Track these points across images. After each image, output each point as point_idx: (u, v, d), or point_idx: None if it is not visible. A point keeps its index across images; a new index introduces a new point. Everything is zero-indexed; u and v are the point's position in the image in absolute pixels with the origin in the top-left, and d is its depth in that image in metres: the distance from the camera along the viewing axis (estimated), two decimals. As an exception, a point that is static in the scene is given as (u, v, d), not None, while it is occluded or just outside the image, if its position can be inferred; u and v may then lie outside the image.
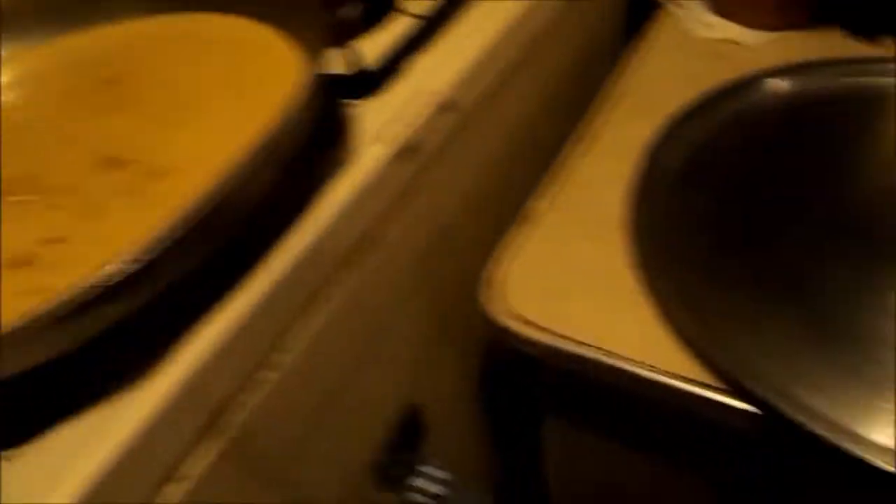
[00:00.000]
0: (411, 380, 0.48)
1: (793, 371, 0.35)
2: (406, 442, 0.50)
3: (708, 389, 0.35)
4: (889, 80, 0.50)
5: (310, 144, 0.36)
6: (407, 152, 0.39)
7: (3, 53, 0.42)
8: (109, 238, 0.30)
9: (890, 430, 0.32)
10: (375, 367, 0.43)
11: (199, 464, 0.30)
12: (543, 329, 0.39)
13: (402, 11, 0.52)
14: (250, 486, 0.34)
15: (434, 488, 0.49)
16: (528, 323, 0.40)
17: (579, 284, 0.41)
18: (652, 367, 0.37)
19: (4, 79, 0.41)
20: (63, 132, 0.37)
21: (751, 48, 0.57)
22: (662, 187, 0.44)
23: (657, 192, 0.44)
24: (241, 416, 0.32)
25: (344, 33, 0.49)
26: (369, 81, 0.42)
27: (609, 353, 0.38)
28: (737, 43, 0.57)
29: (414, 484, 0.49)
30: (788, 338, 0.36)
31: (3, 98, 0.40)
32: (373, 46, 0.46)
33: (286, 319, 0.34)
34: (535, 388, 0.49)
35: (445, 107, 0.41)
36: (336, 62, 0.45)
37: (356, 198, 0.36)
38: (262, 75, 0.38)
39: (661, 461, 0.45)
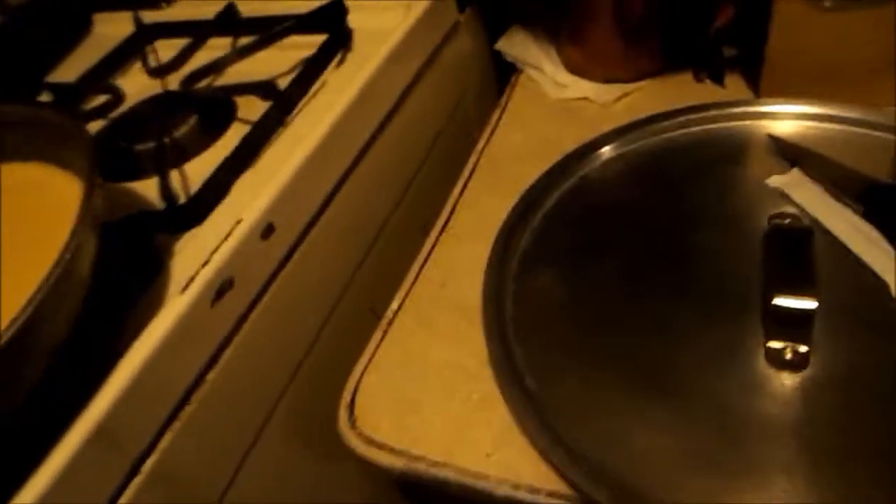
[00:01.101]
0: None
1: (650, 473, 0.33)
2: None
3: (561, 500, 0.33)
4: (735, 125, 0.49)
5: (102, 294, 0.33)
6: (227, 287, 0.37)
7: None
8: None
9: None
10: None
11: None
12: (396, 452, 0.37)
13: (243, 120, 0.51)
14: None
15: None
16: (381, 446, 0.37)
17: (435, 393, 0.39)
18: (504, 482, 0.34)
19: None
20: None
21: (604, 105, 0.56)
22: (512, 271, 0.43)
23: (507, 277, 0.42)
24: None
25: (171, 157, 0.47)
26: (185, 213, 0.40)
27: (462, 471, 0.36)
28: (591, 100, 0.57)
29: None
30: (645, 434, 0.34)
31: None
32: (204, 167, 0.44)
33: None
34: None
35: (268, 231, 0.40)
36: (160, 194, 0.43)
37: (168, 350, 0.34)
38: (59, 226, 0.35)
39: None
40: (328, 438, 0.41)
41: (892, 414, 0.33)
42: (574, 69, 0.59)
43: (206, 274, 0.36)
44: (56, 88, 0.57)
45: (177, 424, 0.35)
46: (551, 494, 0.34)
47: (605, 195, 0.47)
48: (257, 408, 0.41)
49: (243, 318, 0.38)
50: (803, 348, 0.36)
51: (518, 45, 0.62)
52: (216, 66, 0.54)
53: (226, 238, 0.37)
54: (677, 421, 0.34)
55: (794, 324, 0.36)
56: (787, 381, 0.35)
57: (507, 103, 0.59)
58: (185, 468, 0.36)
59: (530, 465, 0.35)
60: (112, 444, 0.31)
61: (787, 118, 0.49)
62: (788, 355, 0.36)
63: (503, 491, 0.34)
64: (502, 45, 0.63)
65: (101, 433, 0.30)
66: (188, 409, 0.35)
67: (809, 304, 0.36)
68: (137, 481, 0.32)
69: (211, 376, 0.36)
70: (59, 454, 0.29)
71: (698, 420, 0.34)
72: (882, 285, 0.38)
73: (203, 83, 0.55)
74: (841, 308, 0.37)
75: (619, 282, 0.41)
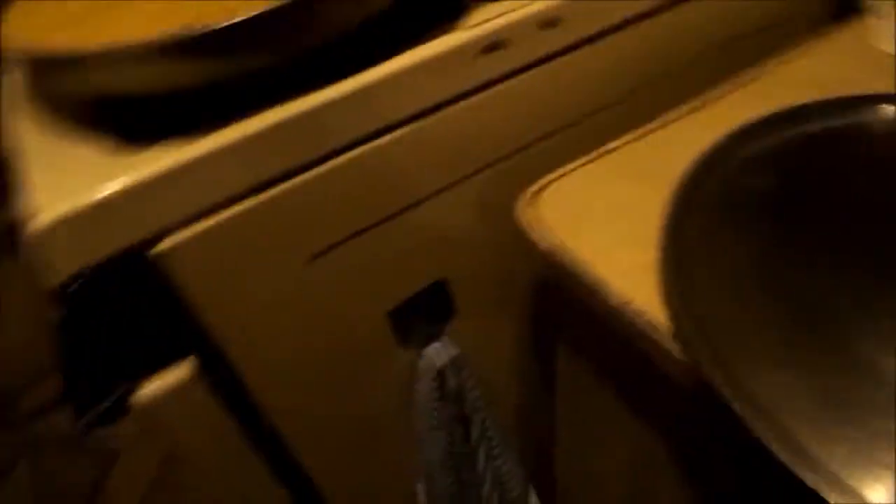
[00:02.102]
0: (443, 255, 0.52)
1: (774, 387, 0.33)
2: (428, 308, 0.54)
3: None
4: None
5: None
6: (496, 48, 0.42)
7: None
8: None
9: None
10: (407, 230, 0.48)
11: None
12: (557, 248, 0.42)
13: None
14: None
15: (440, 361, 0.53)
16: (544, 234, 0.42)
17: (611, 220, 0.43)
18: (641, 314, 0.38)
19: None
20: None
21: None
22: (730, 179, 0.43)
23: (722, 182, 0.43)
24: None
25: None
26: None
27: (604, 287, 0.39)
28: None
29: (427, 351, 0.54)
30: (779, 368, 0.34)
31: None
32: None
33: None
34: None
35: (552, 23, 0.44)
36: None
37: (432, 67, 0.41)
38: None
39: (643, 422, 0.46)
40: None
41: None
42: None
43: (486, 29, 0.42)
44: None
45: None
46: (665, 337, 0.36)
47: (856, 152, 0.44)
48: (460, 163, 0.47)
49: (497, 81, 0.44)
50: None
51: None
52: None
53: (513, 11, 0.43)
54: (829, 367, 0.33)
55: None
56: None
57: (828, 37, 0.56)
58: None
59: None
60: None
61: None
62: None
63: (635, 320, 0.38)
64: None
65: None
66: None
67: None
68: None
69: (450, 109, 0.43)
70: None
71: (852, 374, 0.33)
72: None
73: None
74: None
75: (829, 238, 0.39)
